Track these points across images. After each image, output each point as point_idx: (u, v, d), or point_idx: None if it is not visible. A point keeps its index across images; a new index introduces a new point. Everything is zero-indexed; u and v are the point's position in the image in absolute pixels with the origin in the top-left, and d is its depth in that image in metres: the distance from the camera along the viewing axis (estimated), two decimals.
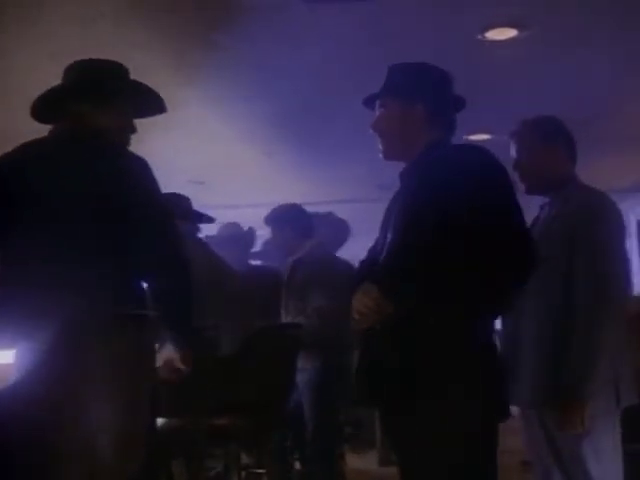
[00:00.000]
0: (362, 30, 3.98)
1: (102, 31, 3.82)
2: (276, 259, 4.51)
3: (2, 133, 4.89)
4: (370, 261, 2.20)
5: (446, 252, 1.89)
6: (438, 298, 1.91)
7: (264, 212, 4.19)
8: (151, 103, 2.40)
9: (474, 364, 1.95)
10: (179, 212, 3.23)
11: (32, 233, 2.16)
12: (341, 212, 4.81)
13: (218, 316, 3.34)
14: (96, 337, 2.04)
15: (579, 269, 2.35)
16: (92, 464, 2.01)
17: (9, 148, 2.29)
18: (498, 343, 2.25)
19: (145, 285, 2.28)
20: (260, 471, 3.83)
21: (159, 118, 2.43)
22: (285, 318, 3.92)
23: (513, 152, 2.60)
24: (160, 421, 2.81)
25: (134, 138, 2.41)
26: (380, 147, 2.21)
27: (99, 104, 2.30)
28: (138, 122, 2.42)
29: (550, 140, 2.55)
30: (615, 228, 2.46)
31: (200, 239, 3.82)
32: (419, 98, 2.14)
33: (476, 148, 2.09)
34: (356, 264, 4.24)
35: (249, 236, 4.77)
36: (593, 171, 4.37)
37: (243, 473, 3.98)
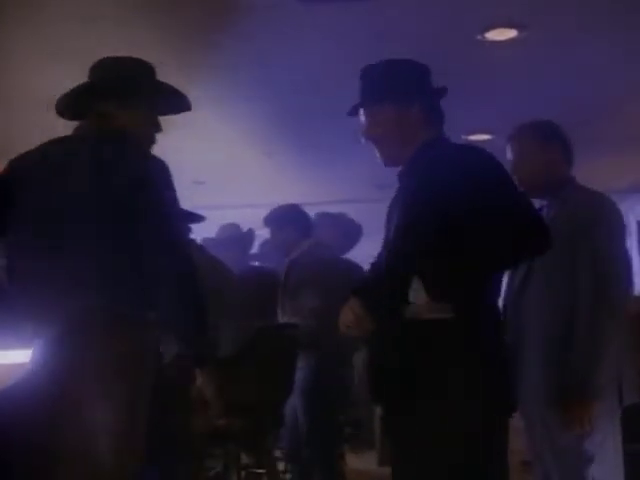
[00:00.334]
0: (362, 30, 3.98)
1: (102, 31, 3.82)
2: (274, 260, 4.51)
3: (2, 133, 4.91)
4: (378, 264, 2.18)
5: (447, 253, 1.89)
6: (440, 298, 1.91)
7: (264, 212, 4.19)
8: (176, 101, 2.38)
9: (474, 364, 1.94)
10: None
11: (38, 232, 2.16)
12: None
13: (218, 316, 3.33)
14: (96, 337, 2.04)
15: (580, 269, 2.36)
16: (92, 465, 2.01)
17: (9, 147, 2.29)
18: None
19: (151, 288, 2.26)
20: (260, 471, 3.83)
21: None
22: (282, 318, 3.92)
23: (510, 156, 2.62)
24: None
25: None
26: (378, 154, 2.17)
27: (125, 103, 2.27)
28: None
29: (547, 143, 2.57)
30: (616, 228, 2.46)
31: (194, 241, 3.81)
32: (415, 98, 2.11)
33: (475, 148, 2.08)
34: (355, 264, 4.23)
35: (248, 237, 4.76)
36: (592, 171, 4.39)
37: (243, 473, 3.98)
